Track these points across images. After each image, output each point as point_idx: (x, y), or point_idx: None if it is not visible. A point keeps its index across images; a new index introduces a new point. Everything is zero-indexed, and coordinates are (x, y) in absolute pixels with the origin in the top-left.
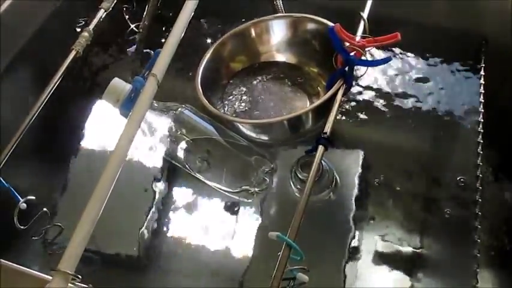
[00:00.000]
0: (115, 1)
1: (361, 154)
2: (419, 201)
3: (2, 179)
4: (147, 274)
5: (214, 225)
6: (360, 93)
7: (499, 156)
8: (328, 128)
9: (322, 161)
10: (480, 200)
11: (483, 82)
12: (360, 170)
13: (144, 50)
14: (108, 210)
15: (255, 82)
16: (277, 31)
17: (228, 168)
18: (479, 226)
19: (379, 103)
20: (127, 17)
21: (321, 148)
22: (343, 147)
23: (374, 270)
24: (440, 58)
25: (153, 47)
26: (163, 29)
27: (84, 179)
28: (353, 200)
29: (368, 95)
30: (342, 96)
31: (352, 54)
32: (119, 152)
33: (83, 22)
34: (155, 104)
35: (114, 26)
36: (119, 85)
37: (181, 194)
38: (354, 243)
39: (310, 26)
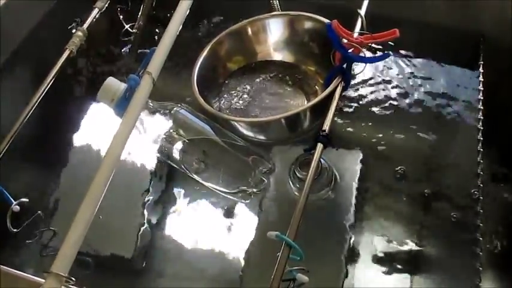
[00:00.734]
0: (109, 0)
1: (360, 153)
2: (419, 200)
3: None
4: (142, 277)
5: (211, 226)
6: (358, 90)
7: (499, 153)
8: (326, 126)
9: (321, 159)
10: (481, 197)
11: (482, 79)
12: (359, 169)
13: (139, 50)
14: (104, 212)
15: (251, 81)
16: (274, 30)
17: (225, 168)
18: (480, 224)
19: (378, 101)
20: (121, 17)
21: (319, 146)
22: (342, 147)
23: (374, 269)
24: (439, 55)
25: (148, 47)
26: (158, 30)
27: (78, 180)
28: (353, 199)
29: (366, 92)
30: (341, 94)
31: (350, 51)
32: (113, 151)
33: (77, 22)
34: (151, 104)
35: (108, 26)
36: (114, 84)
37: (178, 195)
38: (354, 242)
39: (307, 24)
